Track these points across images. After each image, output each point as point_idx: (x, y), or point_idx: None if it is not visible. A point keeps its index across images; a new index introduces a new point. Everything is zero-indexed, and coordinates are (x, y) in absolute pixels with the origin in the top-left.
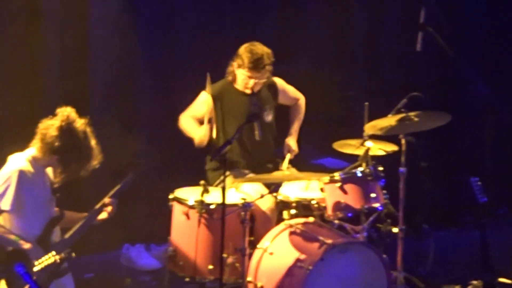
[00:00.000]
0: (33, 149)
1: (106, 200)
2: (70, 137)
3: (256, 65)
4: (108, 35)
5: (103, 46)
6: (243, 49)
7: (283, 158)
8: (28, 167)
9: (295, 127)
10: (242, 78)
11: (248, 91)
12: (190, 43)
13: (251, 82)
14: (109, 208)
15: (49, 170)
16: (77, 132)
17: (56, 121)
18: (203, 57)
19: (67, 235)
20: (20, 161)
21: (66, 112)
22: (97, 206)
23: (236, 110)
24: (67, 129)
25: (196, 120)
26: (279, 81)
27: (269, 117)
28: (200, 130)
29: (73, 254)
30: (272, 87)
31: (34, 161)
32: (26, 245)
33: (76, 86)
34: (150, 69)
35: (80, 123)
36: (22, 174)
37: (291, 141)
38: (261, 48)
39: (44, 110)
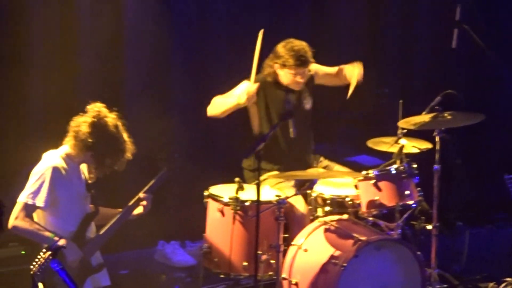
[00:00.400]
0: (67, 147)
1: (141, 195)
2: (102, 133)
3: (302, 61)
4: (143, 23)
5: (138, 35)
6: (282, 49)
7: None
8: (62, 164)
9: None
10: (289, 77)
11: (297, 87)
12: (223, 33)
13: (299, 78)
14: (144, 203)
15: (83, 167)
16: (109, 127)
17: (87, 118)
18: (236, 49)
19: (101, 231)
20: (54, 158)
21: (96, 107)
22: (132, 201)
23: (277, 104)
24: (99, 125)
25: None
26: (314, 67)
27: (308, 105)
28: (240, 88)
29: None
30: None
31: (68, 158)
32: (61, 242)
33: (111, 77)
34: (184, 61)
35: (111, 118)
36: (55, 170)
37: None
38: (300, 44)
39: (79, 104)
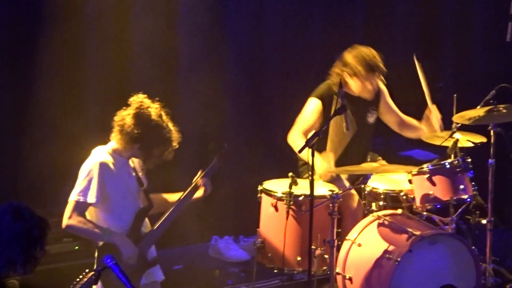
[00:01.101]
0: (113, 142)
1: (198, 181)
2: (147, 123)
3: (374, 70)
4: (197, 16)
5: (191, 27)
6: (352, 58)
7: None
8: (110, 159)
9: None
10: (361, 86)
11: (368, 96)
12: (278, 32)
13: (369, 85)
14: (202, 188)
15: (134, 162)
16: (153, 117)
17: (130, 110)
18: (291, 48)
19: (155, 226)
20: (101, 154)
21: (138, 99)
22: (187, 191)
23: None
24: (142, 115)
25: (309, 132)
26: (382, 87)
27: (371, 119)
28: (322, 161)
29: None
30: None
31: (115, 154)
32: (115, 238)
33: (163, 73)
34: (238, 53)
35: (154, 108)
36: (103, 166)
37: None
38: (368, 51)
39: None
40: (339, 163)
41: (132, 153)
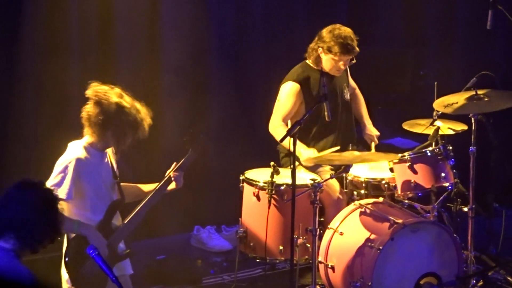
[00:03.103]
0: (87, 136)
1: (171, 174)
2: (109, 107)
3: (347, 49)
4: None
5: (175, 23)
6: (329, 34)
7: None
8: (86, 154)
9: (365, 115)
10: (332, 63)
11: (337, 74)
12: (261, 24)
13: (341, 65)
14: (175, 181)
15: (109, 153)
16: (113, 100)
17: (90, 101)
18: (273, 38)
19: (127, 219)
20: (77, 149)
21: (93, 87)
22: (160, 183)
23: (316, 88)
24: (102, 101)
25: (289, 117)
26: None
27: (347, 96)
28: (305, 148)
29: None
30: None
31: (91, 147)
32: (85, 229)
33: (146, 68)
34: (221, 49)
35: (113, 89)
36: (79, 162)
37: (371, 129)
38: (346, 30)
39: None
40: (320, 137)
41: (107, 141)
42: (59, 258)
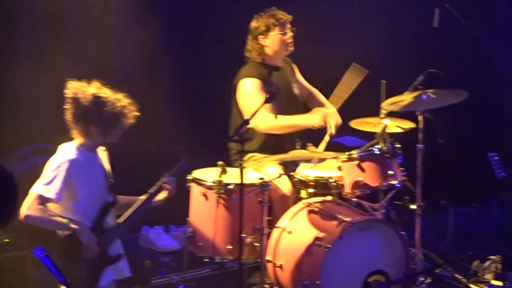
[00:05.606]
0: (76, 138)
1: (163, 180)
2: (86, 100)
3: (282, 18)
4: (129, 17)
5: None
6: (257, 21)
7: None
8: (79, 156)
9: (327, 103)
10: (278, 40)
11: (290, 50)
12: (211, 24)
13: (288, 36)
14: (169, 187)
15: (101, 156)
16: (89, 92)
17: (68, 100)
18: (224, 36)
19: (121, 220)
20: (70, 150)
21: (68, 87)
22: (153, 188)
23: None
24: (78, 97)
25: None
26: (293, 63)
27: (296, 90)
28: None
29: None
30: (289, 63)
31: (83, 148)
32: (75, 225)
33: (96, 72)
34: (170, 48)
35: (90, 84)
36: (72, 164)
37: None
38: (266, 10)
39: None
40: (268, 136)
41: (94, 137)
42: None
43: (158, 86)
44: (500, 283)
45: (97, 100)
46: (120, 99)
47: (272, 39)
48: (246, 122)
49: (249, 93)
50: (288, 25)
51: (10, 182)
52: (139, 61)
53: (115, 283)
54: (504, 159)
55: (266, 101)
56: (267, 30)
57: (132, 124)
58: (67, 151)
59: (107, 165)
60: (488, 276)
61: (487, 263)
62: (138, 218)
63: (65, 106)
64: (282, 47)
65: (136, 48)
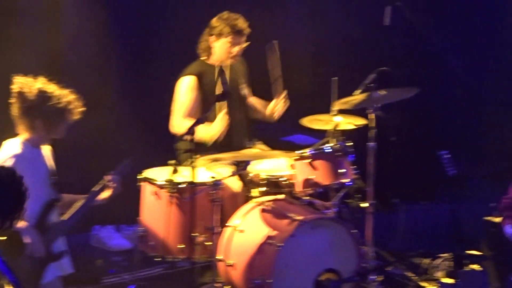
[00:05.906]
0: (21, 134)
1: (106, 178)
2: (31, 92)
3: (238, 30)
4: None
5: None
6: (217, 20)
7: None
8: (24, 151)
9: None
10: (225, 48)
11: (232, 61)
12: (164, 22)
13: (236, 48)
14: (113, 185)
15: (47, 153)
16: (33, 87)
17: (14, 95)
18: (176, 34)
19: (65, 217)
20: (15, 146)
21: (14, 82)
22: (97, 186)
23: (213, 86)
24: (22, 92)
25: (192, 112)
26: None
27: (245, 91)
28: (213, 126)
29: None
30: (244, 63)
31: (28, 143)
32: (19, 224)
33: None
34: (120, 45)
35: (36, 80)
36: (18, 159)
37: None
38: (236, 15)
39: None
40: (222, 144)
41: (38, 132)
42: None
43: (107, 80)
44: (451, 281)
45: (43, 95)
46: (65, 95)
47: (220, 44)
48: (199, 121)
49: (180, 93)
50: (243, 38)
51: (20, 187)
52: (89, 54)
53: (60, 279)
54: (455, 156)
55: (218, 99)
56: (220, 34)
57: (78, 120)
58: (12, 147)
59: (51, 162)
60: (440, 274)
61: (438, 261)
62: (82, 216)
63: (10, 101)
64: (225, 56)
65: (86, 41)
